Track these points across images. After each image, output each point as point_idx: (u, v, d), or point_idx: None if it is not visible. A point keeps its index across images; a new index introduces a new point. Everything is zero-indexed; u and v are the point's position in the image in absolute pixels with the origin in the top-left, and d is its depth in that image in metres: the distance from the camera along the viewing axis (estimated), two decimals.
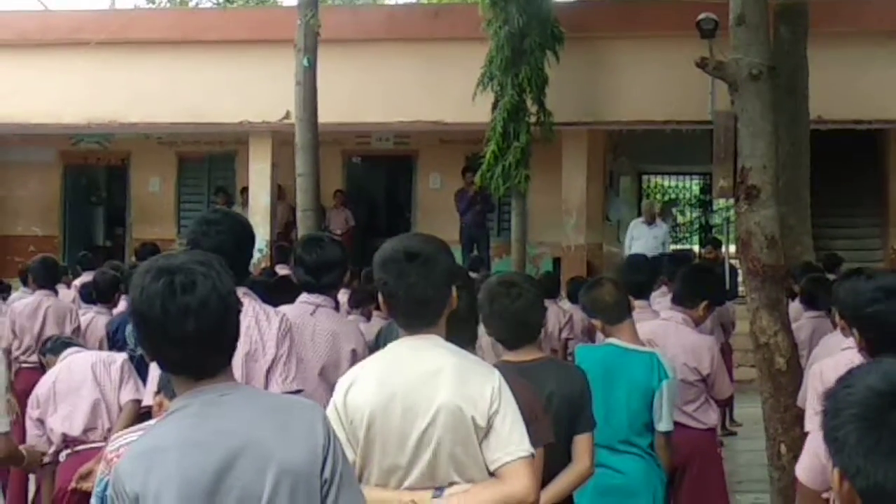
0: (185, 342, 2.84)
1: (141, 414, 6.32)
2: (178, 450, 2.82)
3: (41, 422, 6.48)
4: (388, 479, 3.63)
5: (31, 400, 6.59)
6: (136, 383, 6.31)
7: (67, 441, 6.32)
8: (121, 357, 6.68)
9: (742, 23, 7.73)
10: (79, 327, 9.96)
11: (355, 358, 5.76)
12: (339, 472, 2.91)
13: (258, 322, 4.61)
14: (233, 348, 2.99)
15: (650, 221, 18.35)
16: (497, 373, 3.70)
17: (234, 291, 2.97)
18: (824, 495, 3.82)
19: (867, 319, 3.86)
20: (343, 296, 9.21)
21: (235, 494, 2.80)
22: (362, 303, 9.55)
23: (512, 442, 3.58)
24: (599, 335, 6.51)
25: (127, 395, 6.36)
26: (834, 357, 4.52)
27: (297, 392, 4.48)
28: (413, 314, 3.70)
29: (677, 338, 6.65)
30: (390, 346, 3.81)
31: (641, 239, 18.13)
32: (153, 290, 2.84)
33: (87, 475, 5.57)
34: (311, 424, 2.92)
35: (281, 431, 2.87)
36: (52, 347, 7.07)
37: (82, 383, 6.39)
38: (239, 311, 2.99)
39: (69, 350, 6.84)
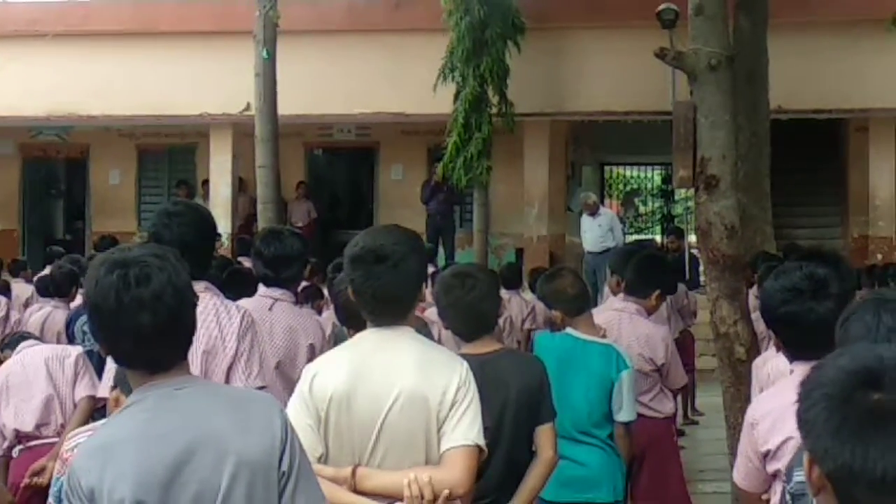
0: (139, 335, 2.82)
1: (98, 409, 6.26)
2: (134, 444, 2.80)
3: None
4: (352, 463, 3.64)
5: None
6: (91, 378, 6.21)
7: (20, 436, 6.23)
8: (76, 351, 6.56)
9: (701, 13, 7.72)
10: (6, 316, 9.92)
11: (313, 352, 5.74)
12: (296, 465, 2.91)
13: (218, 318, 4.55)
14: (188, 342, 2.97)
15: (592, 212, 18.37)
16: (464, 363, 3.73)
17: (190, 285, 2.95)
18: (764, 496, 3.79)
19: (780, 320, 3.75)
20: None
21: (192, 488, 2.78)
22: (312, 297, 9.48)
23: (459, 430, 3.60)
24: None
25: (82, 390, 6.26)
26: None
27: (261, 388, 4.44)
28: (380, 312, 3.73)
29: (631, 328, 6.66)
30: (359, 335, 3.82)
31: (589, 231, 18.24)
32: (107, 283, 2.82)
33: (39, 471, 5.52)
34: (268, 418, 2.92)
35: (238, 424, 2.87)
36: (8, 342, 6.98)
37: (35, 378, 6.28)
38: (195, 305, 2.97)
39: (24, 344, 6.74)
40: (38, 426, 6.15)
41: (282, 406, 3.07)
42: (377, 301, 3.69)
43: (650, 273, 6.99)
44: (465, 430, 3.60)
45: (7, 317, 10.22)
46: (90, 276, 2.90)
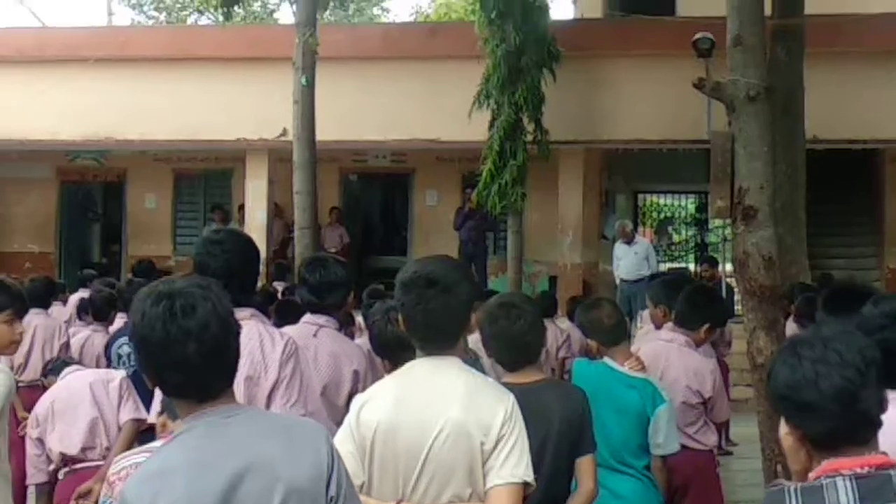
0: (186, 365, 2.86)
1: (142, 431, 6.30)
2: (185, 472, 2.83)
3: (41, 441, 6.44)
4: (395, 495, 3.66)
5: (31, 419, 6.54)
6: (135, 402, 6.24)
7: (66, 460, 6.27)
8: (119, 375, 6.60)
9: (739, 44, 7.77)
10: (67, 343, 9.94)
11: (357, 378, 5.78)
12: (343, 492, 2.95)
13: (262, 345, 4.59)
14: (234, 370, 3.02)
15: (628, 240, 18.39)
16: (511, 397, 3.73)
17: (233, 314, 3.00)
18: None
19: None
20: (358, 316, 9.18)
21: None
22: (344, 323, 9.48)
23: (506, 466, 3.61)
24: None
25: (126, 414, 6.29)
26: None
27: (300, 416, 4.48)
28: (429, 338, 3.74)
29: (679, 360, 6.63)
30: (408, 365, 3.84)
31: (625, 258, 18.23)
32: (154, 315, 2.87)
33: (85, 494, 5.54)
34: (315, 444, 2.96)
35: (286, 451, 2.90)
36: (52, 368, 7.04)
37: (80, 402, 6.32)
38: (238, 334, 3.01)
39: (68, 369, 6.79)
40: (83, 449, 6.18)
41: (328, 432, 3.11)
42: (427, 327, 3.71)
43: (702, 305, 6.93)
44: (512, 467, 3.60)
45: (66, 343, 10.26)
46: (136, 308, 2.94)
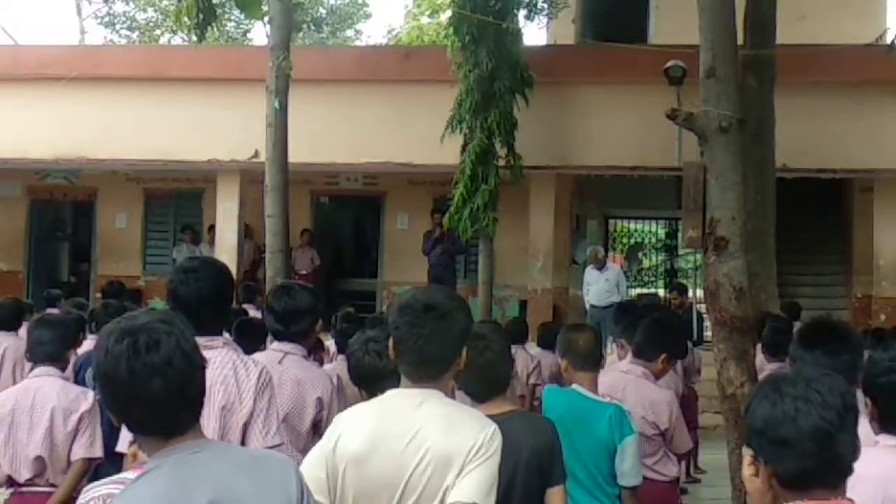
0: (152, 401, 2.85)
1: (97, 466, 6.24)
2: None
3: None
4: None
5: None
6: (91, 437, 6.04)
7: (12, 482, 6.18)
8: (86, 404, 6.32)
9: (712, 76, 7.81)
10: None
11: (321, 405, 5.81)
12: None
13: (236, 374, 4.58)
14: (200, 405, 3.01)
15: (599, 266, 18.48)
16: (493, 427, 3.72)
17: (198, 348, 2.99)
18: None
19: (880, 389, 3.86)
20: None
21: None
22: (313, 349, 9.45)
23: (461, 486, 3.58)
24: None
25: (79, 450, 6.12)
26: None
27: (278, 446, 4.46)
28: (419, 364, 3.72)
29: (636, 391, 6.65)
30: (389, 393, 3.82)
31: (595, 284, 18.33)
32: (117, 351, 2.86)
33: None
34: (284, 478, 2.96)
35: (256, 485, 2.90)
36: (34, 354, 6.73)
37: (35, 426, 6.15)
38: (204, 368, 3.00)
39: (41, 370, 6.48)
40: (31, 478, 6.09)
41: (296, 465, 3.11)
42: (418, 353, 3.69)
43: (659, 337, 6.95)
44: (467, 487, 3.57)
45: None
46: (99, 345, 2.93)
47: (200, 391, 2.98)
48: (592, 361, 6.00)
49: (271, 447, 4.41)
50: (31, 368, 9.67)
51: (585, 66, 18.58)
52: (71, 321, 7.17)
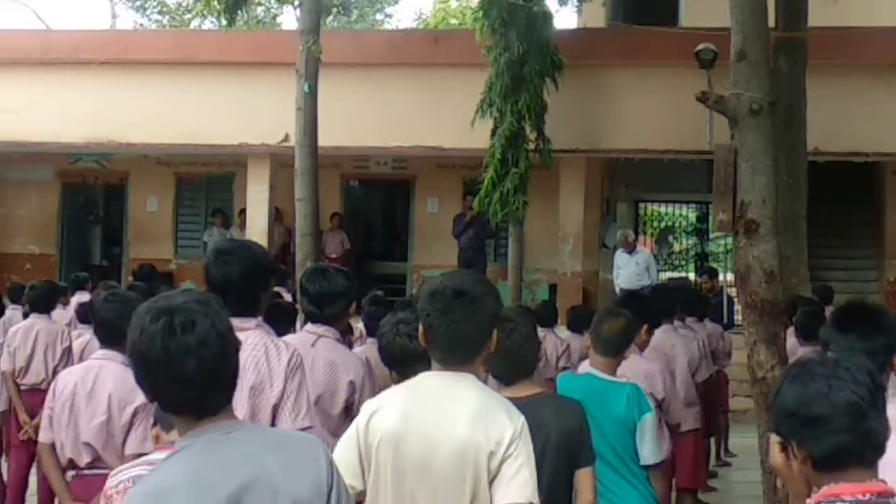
0: (186, 381, 2.87)
1: None
2: (186, 489, 2.84)
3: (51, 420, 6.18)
4: None
5: (49, 397, 6.31)
6: (145, 431, 5.86)
7: (73, 465, 6.14)
8: (142, 396, 6.08)
9: (743, 58, 7.78)
10: (70, 347, 9.92)
11: (353, 388, 5.82)
12: None
13: (268, 356, 4.61)
14: (233, 386, 3.02)
15: (629, 249, 18.43)
16: (522, 418, 3.73)
17: (232, 330, 3.00)
18: None
19: None
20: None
21: None
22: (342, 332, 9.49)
23: (513, 486, 3.61)
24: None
25: (132, 445, 5.94)
26: None
27: (307, 429, 4.48)
28: (450, 350, 3.73)
29: (629, 365, 6.67)
30: (420, 376, 3.84)
31: (625, 267, 18.27)
32: (153, 331, 2.88)
33: None
34: (315, 459, 2.97)
35: (286, 466, 2.91)
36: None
37: (94, 414, 6.07)
38: (238, 350, 3.02)
39: (103, 353, 6.28)
40: (91, 462, 6.04)
41: (326, 446, 3.12)
42: (451, 338, 3.70)
43: (636, 310, 7.01)
44: (519, 488, 3.60)
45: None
46: (134, 324, 2.94)
47: (234, 373, 3.00)
48: (611, 347, 6.01)
49: (301, 430, 4.42)
50: (65, 350, 9.80)
51: (616, 49, 18.52)
52: (138, 300, 6.94)
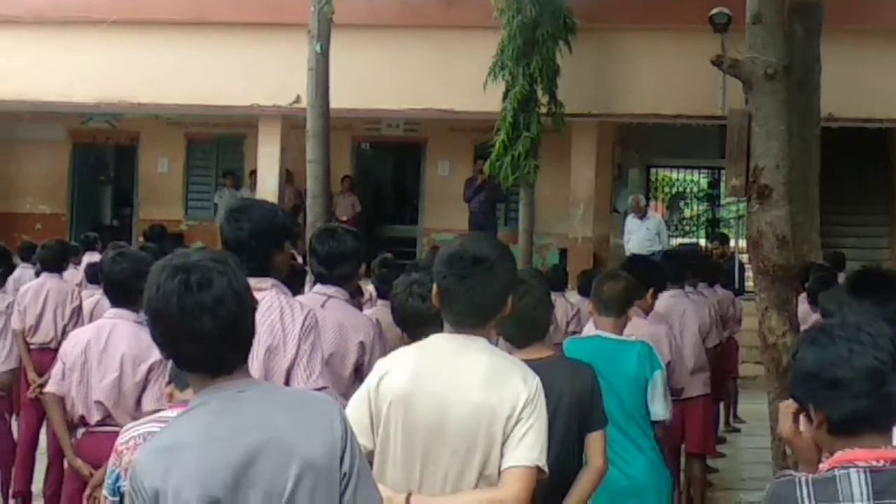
0: (201, 339, 2.86)
1: None
2: (199, 446, 2.84)
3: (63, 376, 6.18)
4: (408, 471, 3.66)
5: (60, 353, 6.30)
6: (160, 390, 5.93)
7: (83, 422, 6.16)
8: (157, 353, 6.06)
9: (758, 21, 7.71)
10: (80, 307, 9.94)
11: (363, 349, 5.81)
12: (356, 467, 2.95)
13: (282, 316, 4.60)
14: (249, 345, 3.01)
15: (640, 215, 18.43)
16: (536, 379, 3.72)
17: (249, 289, 2.99)
18: None
19: None
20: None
21: (258, 490, 2.83)
22: (352, 294, 9.47)
23: (520, 448, 3.60)
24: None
25: (150, 402, 5.91)
26: None
27: (321, 389, 4.47)
28: (466, 315, 3.71)
29: (634, 329, 6.66)
30: (432, 338, 3.81)
31: (636, 233, 18.28)
32: (169, 288, 2.87)
33: (100, 483, 5.43)
34: (329, 419, 2.96)
35: (300, 426, 2.91)
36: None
37: (106, 373, 6.08)
38: (254, 309, 3.01)
39: (114, 312, 6.27)
40: (102, 419, 6.06)
41: (340, 406, 3.11)
42: (468, 304, 3.68)
43: (642, 274, 7.01)
44: (526, 450, 3.60)
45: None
46: (151, 281, 2.93)
47: (250, 332, 2.99)
48: (614, 307, 6.01)
49: (315, 390, 4.42)
50: (74, 309, 9.81)
51: (629, 12, 18.39)
52: (147, 259, 6.82)
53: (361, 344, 5.83)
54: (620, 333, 6.02)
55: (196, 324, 2.85)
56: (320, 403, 3.04)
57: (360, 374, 5.71)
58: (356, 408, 3.70)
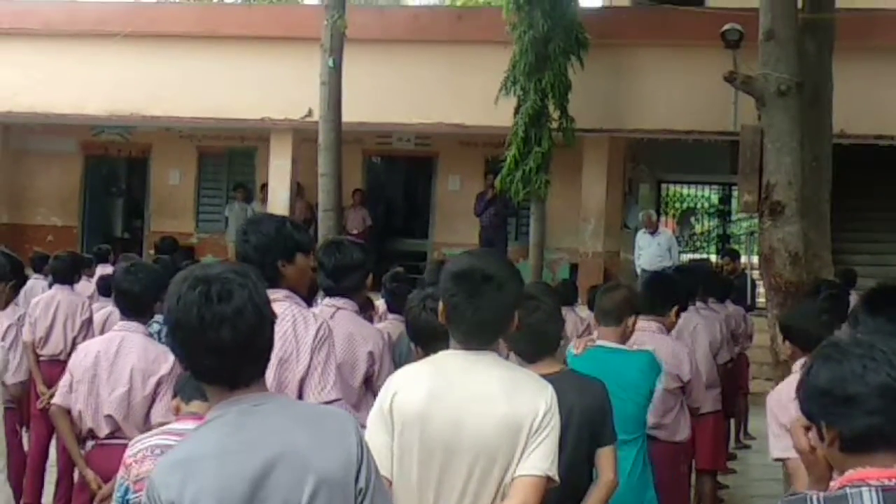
0: (220, 350, 2.87)
1: None
2: (215, 459, 2.84)
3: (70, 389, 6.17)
4: (423, 489, 3.65)
5: (69, 365, 6.30)
6: (168, 402, 5.89)
7: (92, 435, 6.16)
8: (166, 366, 6.02)
9: (771, 38, 7.74)
10: (90, 319, 9.95)
11: (372, 359, 5.87)
12: (372, 483, 2.95)
13: (295, 327, 4.61)
14: (267, 358, 3.02)
15: (651, 230, 18.42)
16: (550, 388, 3.74)
17: (269, 302, 3.00)
18: None
19: None
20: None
21: (274, 503, 2.83)
22: (362, 308, 9.44)
23: (532, 458, 3.61)
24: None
25: (158, 415, 5.92)
26: (787, 380, 4.54)
27: (334, 402, 4.47)
28: (475, 332, 3.72)
29: (655, 346, 6.66)
30: (441, 354, 3.82)
31: (647, 248, 18.27)
32: (190, 299, 2.88)
33: (108, 497, 5.44)
34: (344, 433, 2.96)
35: (316, 440, 2.90)
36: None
37: (116, 385, 6.10)
38: (273, 323, 3.01)
39: (123, 325, 6.27)
40: (111, 432, 6.05)
41: (356, 421, 3.10)
42: (477, 322, 3.69)
43: (666, 291, 7.01)
44: (537, 460, 3.60)
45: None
46: (172, 292, 2.94)
47: (269, 345, 2.99)
48: (614, 316, 6.02)
49: (327, 402, 4.42)
50: (85, 322, 9.82)
51: (641, 28, 18.43)
52: (158, 272, 6.71)
53: (371, 354, 5.87)
54: (622, 342, 6.02)
55: (215, 335, 2.85)
56: (337, 419, 3.04)
57: (370, 384, 5.74)
58: (375, 429, 3.66)
